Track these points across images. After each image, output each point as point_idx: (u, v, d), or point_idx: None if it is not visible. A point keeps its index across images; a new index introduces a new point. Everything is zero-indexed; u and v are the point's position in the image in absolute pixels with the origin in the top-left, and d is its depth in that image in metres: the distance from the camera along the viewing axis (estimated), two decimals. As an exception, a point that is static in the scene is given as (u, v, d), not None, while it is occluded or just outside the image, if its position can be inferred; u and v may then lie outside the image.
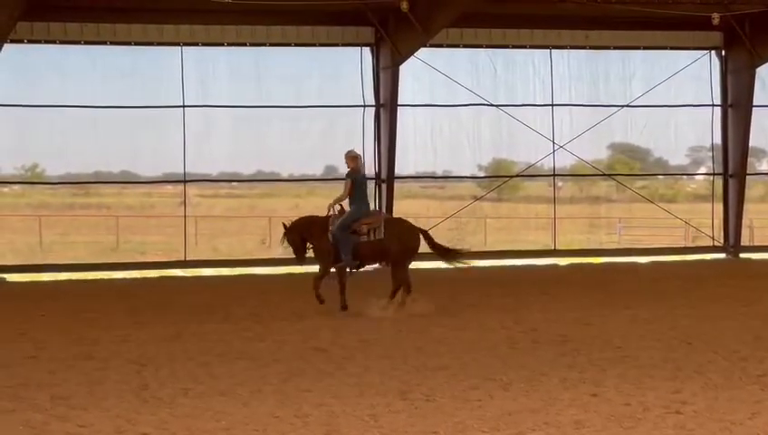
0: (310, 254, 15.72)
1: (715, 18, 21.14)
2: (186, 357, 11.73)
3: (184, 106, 21.58)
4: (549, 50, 23.29)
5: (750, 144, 23.87)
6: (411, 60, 21.84)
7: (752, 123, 23.55)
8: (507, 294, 17.37)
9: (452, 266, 15.96)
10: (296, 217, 15.81)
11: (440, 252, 15.65)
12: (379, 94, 22.16)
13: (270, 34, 21.85)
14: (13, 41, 20.08)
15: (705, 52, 23.89)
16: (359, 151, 16.18)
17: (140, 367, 11.14)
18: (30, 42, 20.79)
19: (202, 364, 11.30)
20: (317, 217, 15.65)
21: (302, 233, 15.52)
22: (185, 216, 22.38)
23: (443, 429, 8.49)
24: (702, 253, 24.02)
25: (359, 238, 15.17)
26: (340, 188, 15.72)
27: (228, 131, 22.35)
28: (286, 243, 15.70)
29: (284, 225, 15.67)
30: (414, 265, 15.73)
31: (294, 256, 15.73)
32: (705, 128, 24.21)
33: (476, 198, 24.25)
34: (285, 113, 22.23)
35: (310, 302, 15.46)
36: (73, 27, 20.88)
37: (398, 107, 21.96)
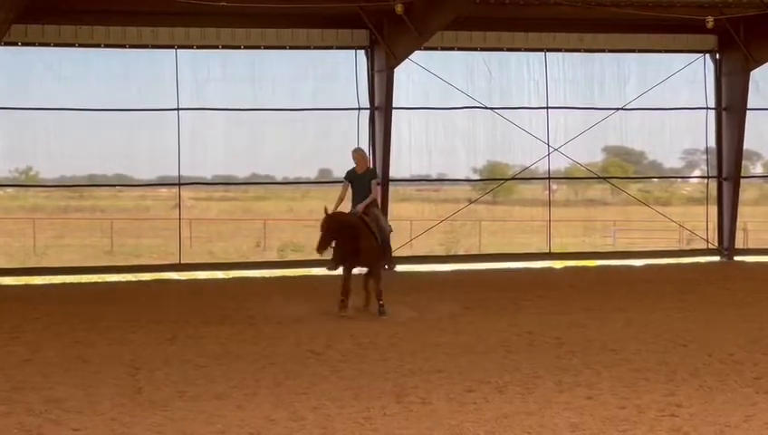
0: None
1: (710, 21, 21.14)
2: (180, 360, 11.71)
3: (178, 109, 21.55)
4: (544, 53, 23.28)
5: (744, 147, 23.88)
6: (406, 63, 21.83)
7: (746, 126, 23.55)
8: (502, 297, 17.36)
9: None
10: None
11: None
12: (373, 97, 22.14)
13: (265, 37, 21.83)
14: (7, 43, 20.05)
15: (700, 55, 23.90)
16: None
17: (135, 370, 11.12)
18: (24, 44, 20.76)
19: (197, 367, 11.29)
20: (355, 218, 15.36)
21: (336, 233, 15.15)
22: (179, 218, 22.34)
23: (438, 431, 8.49)
24: (696, 256, 24.03)
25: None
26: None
27: (223, 134, 22.31)
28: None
29: (326, 209, 15.22)
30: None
31: (320, 246, 15.21)
32: (700, 131, 24.22)
33: (471, 201, 24.24)
34: (280, 116, 22.20)
35: (305, 305, 15.47)
36: (68, 30, 20.83)
37: (393, 110, 21.95)
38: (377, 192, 15.34)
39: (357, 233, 15.06)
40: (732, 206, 23.79)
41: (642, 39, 23.43)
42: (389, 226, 15.64)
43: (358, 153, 15.67)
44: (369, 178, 15.39)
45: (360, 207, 15.20)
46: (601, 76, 23.80)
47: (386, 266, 15.35)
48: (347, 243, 15.05)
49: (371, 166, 15.70)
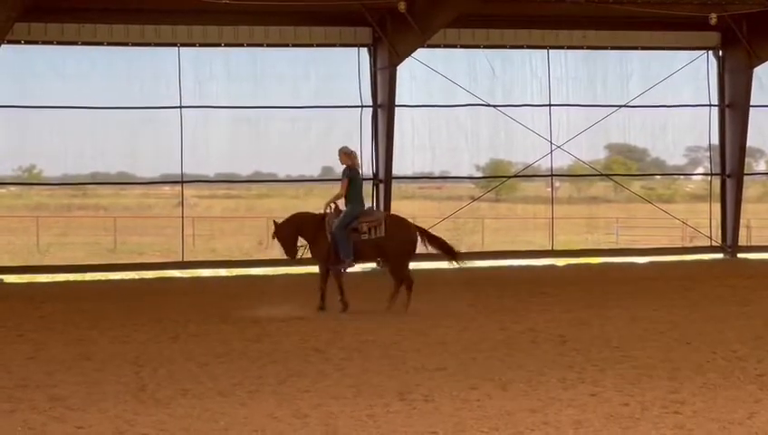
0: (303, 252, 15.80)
1: (713, 18, 21.15)
2: (184, 358, 11.72)
3: (181, 107, 21.56)
4: (546, 50, 23.28)
5: (747, 144, 23.87)
6: (409, 60, 21.83)
7: (749, 123, 23.55)
8: (505, 294, 17.36)
9: (451, 266, 15.97)
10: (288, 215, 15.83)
11: (442, 249, 15.69)
12: (376, 95, 22.14)
13: (267, 35, 21.83)
14: (10, 42, 20.05)
15: (703, 52, 23.89)
16: (353, 149, 16.15)
17: (138, 368, 11.13)
18: (27, 43, 20.77)
19: (200, 365, 11.29)
20: (311, 214, 15.65)
21: (296, 229, 15.50)
22: (182, 216, 22.37)
23: (442, 429, 8.49)
24: (700, 253, 24.01)
25: (359, 237, 15.20)
26: (337, 188, 15.72)
27: (226, 132, 22.33)
28: (276, 239, 15.67)
29: (275, 222, 15.69)
30: (413, 265, 15.72)
31: (286, 253, 15.67)
32: (703, 128, 24.21)
33: (474, 199, 24.24)
34: (283, 114, 22.22)
35: (308, 302, 15.46)
36: (71, 28, 20.85)
37: (396, 107, 21.95)
38: (341, 189, 15.42)
39: (311, 234, 15.40)
40: (735, 203, 23.78)
41: (645, 36, 23.42)
42: (374, 227, 15.46)
43: (340, 152, 15.78)
44: (341, 176, 15.57)
45: (325, 207, 15.43)
46: (604, 73, 23.80)
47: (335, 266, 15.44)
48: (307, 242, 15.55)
49: (354, 163, 15.70)
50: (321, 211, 15.48)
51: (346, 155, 15.55)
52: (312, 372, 10.88)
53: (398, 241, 15.34)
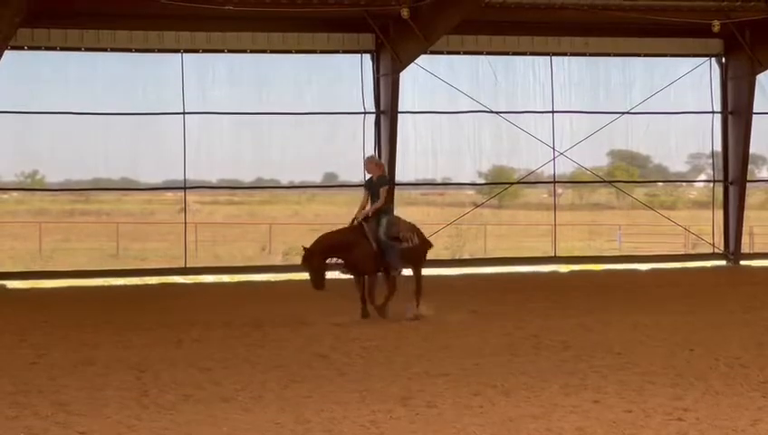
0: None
1: (716, 25, 21.18)
2: (186, 363, 11.72)
3: (184, 113, 21.59)
4: (549, 57, 23.30)
5: (750, 151, 23.88)
6: (412, 67, 21.86)
7: (752, 130, 23.56)
8: (508, 300, 17.36)
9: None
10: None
11: None
12: (379, 101, 22.16)
13: (270, 41, 21.86)
14: (13, 47, 20.07)
15: (706, 59, 23.90)
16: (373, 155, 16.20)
17: (141, 373, 11.13)
18: (30, 48, 20.81)
19: (203, 370, 11.29)
20: (342, 230, 15.32)
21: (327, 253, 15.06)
22: (185, 222, 22.38)
23: (445, 435, 8.49)
24: (702, 260, 24.02)
25: (401, 244, 15.18)
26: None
27: (228, 138, 22.36)
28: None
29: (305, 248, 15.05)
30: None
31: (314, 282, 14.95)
32: (706, 135, 24.22)
33: (476, 205, 24.24)
34: (286, 120, 22.25)
35: (310, 308, 15.46)
36: (74, 34, 20.89)
37: (399, 114, 21.97)
38: (381, 199, 15.28)
39: (348, 244, 14.98)
40: (738, 210, 23.78)
41: (648, 43, 23.44)
42: (411, 234, 15.37)
43: (368, 161, 15.78)
44: (379, 185, 15.40)
45: (361, 215, 15.20)
46: (607, 80, 23.83)
47: (385, 272, 15.27)
48: (341, 257, 15.04)
49: (384, 172, 15.63)
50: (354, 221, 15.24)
51: (377, 165, 15.61)
52: (315, 377, 10.88)
53: (424, 248, 15.72)
